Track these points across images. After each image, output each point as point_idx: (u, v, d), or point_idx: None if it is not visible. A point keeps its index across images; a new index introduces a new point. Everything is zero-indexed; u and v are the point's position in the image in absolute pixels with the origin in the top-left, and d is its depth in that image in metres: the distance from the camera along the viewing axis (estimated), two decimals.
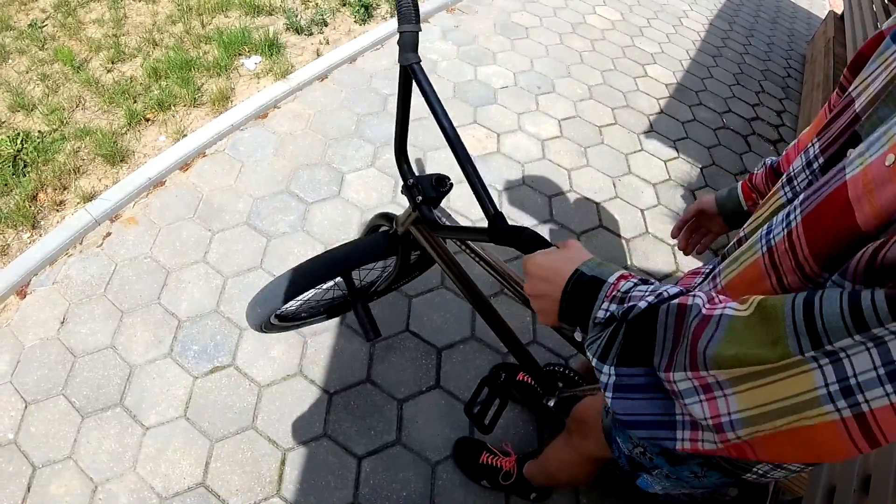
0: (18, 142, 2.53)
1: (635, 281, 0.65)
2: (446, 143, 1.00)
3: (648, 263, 2.62)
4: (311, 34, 3.50)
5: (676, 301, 0.58)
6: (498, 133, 3.10)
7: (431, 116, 1.01)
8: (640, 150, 3.27)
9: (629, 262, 2.61)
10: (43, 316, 2.03)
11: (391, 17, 3.79)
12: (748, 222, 0.79)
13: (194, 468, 1.75)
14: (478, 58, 3.64)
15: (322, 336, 2.07)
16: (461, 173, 0.97)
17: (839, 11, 4.92)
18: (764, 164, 1.11)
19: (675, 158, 3.28)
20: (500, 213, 0.93)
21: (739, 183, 1.15)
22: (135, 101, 2.84)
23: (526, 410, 2.00)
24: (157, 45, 3.24)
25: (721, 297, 0.58)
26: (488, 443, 1.85)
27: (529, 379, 1.93)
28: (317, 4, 3.77)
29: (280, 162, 2.69)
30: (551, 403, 1.55)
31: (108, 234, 2.29)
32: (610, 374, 0.61)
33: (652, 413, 0.58)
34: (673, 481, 0.96)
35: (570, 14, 4.45)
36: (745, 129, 3.73)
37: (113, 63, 3.08)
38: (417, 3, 0.98)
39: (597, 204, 2.85)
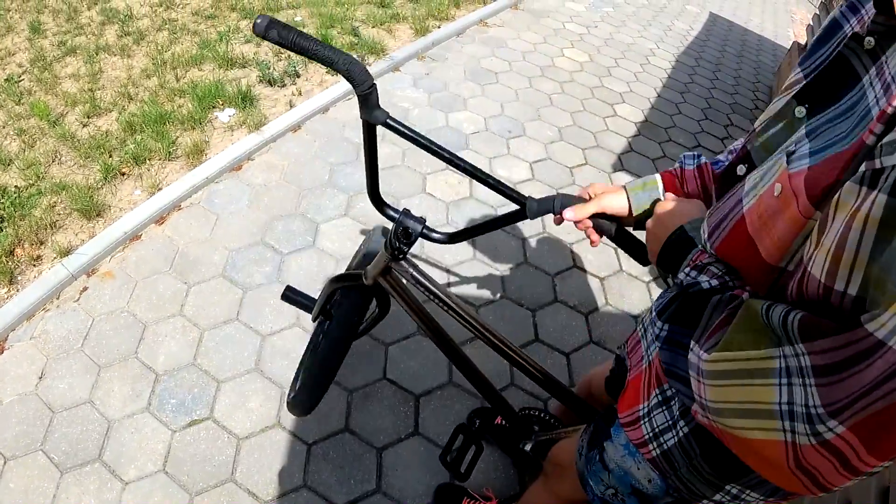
0: None
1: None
2: (446, 166, 1.11)
3: (624, 301, 2.78)
4: (283, 85, 3.71)
5: (731, 291, 0.66)
6: (470, 178, 3.28)
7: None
8: None
9: (604, 301, 2.75)
10: (21, 371, 2.12)
11: None
12: None
13: None
14: (449, 104, 3.86)
15: None
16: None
17: (803, 42, 5.26)
18: (695, 163, 1.06)
19: None
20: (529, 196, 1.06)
21: (657, 177, 1.07)
22: (110, 156, 3.00)
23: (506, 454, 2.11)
24: (132, 98, 3.42)
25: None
26: (469, 488, 1.94)
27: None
28: (289, 56, 3.99)
29: (255, 213, 2.84)
30: (528, 447, 1.62)
31: (85, 288, 2.41)
32: (662, 328, 0.72)
33: (686, 370, 0.65)
34: None
35: (539, 57, 4.73)
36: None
37: (89, 117, 3.25)
38: (357, 60, 0.98)
39: (570, 245, 3.02)
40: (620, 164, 3.68)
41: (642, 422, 0.91)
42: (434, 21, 4.79)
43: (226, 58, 3.81)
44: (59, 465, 1.91)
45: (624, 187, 1.06)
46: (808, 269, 0.54)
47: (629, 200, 1.04)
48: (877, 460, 0.48)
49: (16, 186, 2.77)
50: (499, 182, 1.07)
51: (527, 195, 1.10)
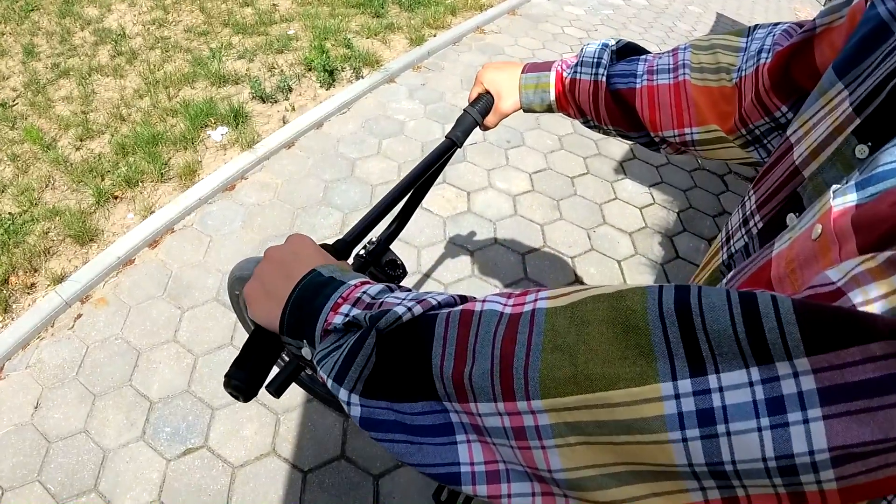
0: None
1: (384, 286, 0.55)
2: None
3: None
4: (276, 101, 3.80)
5: (459, 308, 0.47)
6: (468, 191, 3.35)
7: (396, 181, 1.05)
8: (614, 199, 3.50)
9: None
10: (17, 401, 2.20)
11: (356, 79, 4.09)
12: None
13: None
14: (445, 115, 3.93)
15: (294, 413, 2.25)
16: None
17: None
18: (592, 61, 0.97)
19: (650, 205, 3.51)
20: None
21: (552, 79, 1.03)
22: (103, 179, 3.09)
23: None
24: (124, 120, 3.52)
25: (523, 291, 0.47)
26: None
27: None
28: (282, 71, 4.08)
29: (248, 234, 2.91)
30: None
31: (80, 315, 2.49)
32: (355, 405, 0.48)
33: (440, 461, 0.46)
34: None
35: None
36: (722, 168, 3.95)
37: (81, 140, 3.35)
38: (489, 104, 1.06)
39: (572, 258, 3.06)
40: (623, 172, 3.71)
41: None
42: (430, 30, 4.88)
43: (218, 75, 3.91)
44: (55, 495, 1.98)
45: (519, 81, 1.07)
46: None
47: (520, 97, 1.06)
48: None
49: (9, 213, 2.86)
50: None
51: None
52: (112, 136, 3.38)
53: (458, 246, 2.99)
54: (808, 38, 0.67)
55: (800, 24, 0.74)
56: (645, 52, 0.97)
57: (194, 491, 2.02)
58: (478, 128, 1.10)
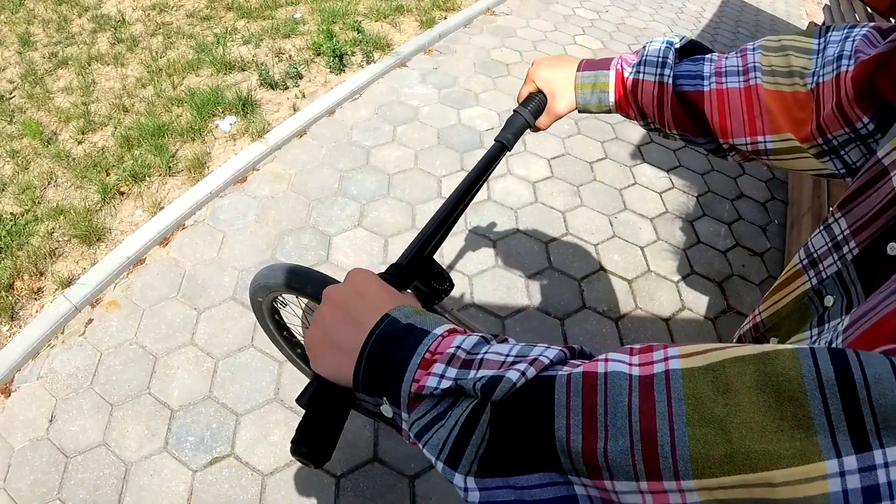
0: None
1: (479, 337, 0.49)
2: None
3: (653, 304, 2.70)
4: (286, 88, 3.62)
5: (581, 370, 0.41)
6: (488, 179, 3.19)
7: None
8: (633, 184, 3.37)
9: (634, 305, 2.68)
10: (30, 414, 2.06)
11: (367, 64, 3.91)
12: (764, 306, 0.71)
13: None
14: (460, 100, 3.76)
15: None
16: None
17: (819, 21, 5.13)
18: (657, 61, 0.91)
19: (669, 189, 3.39)
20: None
21: (611, 79, 0.96)
22: (107, 174, 2.92)
23: None
24: (127, 111, 3.34)
25: (647, 344, 0.43)
26: None
27: None
28: (290, 56, 3.89)
29: (263, 229, 2.76)
30: None
31: (90, 320, 2.34)
32: (472, 490, 0.43)
33: None
34: None
35: (551, 46, 4.62)
36: None
37: (83, 133, 3.17)
38: (542, 105, 1.00)
39: (595, 245, 2.94)
40: (641, 157, 3.58)
41: None
42: (440, 12, 4.68)
43: (223, 61, 3.72)
44: None
45: (575, 80, 0.99)
46: None
47: (576, 97, 0.99)
48: None
49: (11, 213, 2.70)
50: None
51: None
52: (115, 128, 3.20)
53: (479, 236, 2.85)
54: (894, 48, 0.63)
55: (880, 30, 0.70)
56: (708, 50, 0.91)
57: (224, 503, 1.90)
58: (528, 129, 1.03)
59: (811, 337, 0.59)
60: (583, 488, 0.39)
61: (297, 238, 2.73)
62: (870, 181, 0.59)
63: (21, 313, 2.33)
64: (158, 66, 3.67)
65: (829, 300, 0.59)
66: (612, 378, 0.39)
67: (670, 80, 0.88)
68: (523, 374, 0.42)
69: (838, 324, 0.53)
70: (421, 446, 0.46)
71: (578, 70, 0.99)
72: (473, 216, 2.95)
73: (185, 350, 2.27)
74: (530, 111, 1.01)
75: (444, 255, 2.71)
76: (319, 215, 2.86)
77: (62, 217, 2.67)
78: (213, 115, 3.32)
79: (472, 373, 0.44)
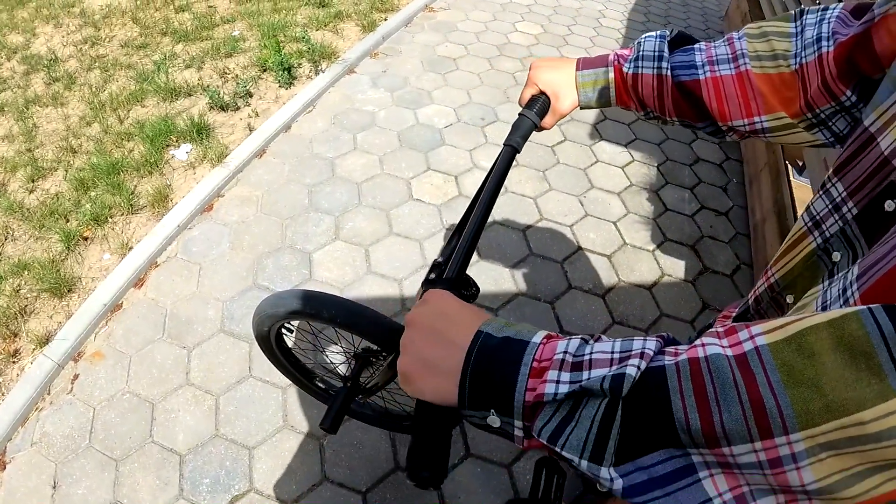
0: None
1: (579, 339, 0.53)
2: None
3: (635, 275, 2.72)
4: (237, 108, 3.49)
5: (685, 357, 0.47)
6: (455, 175, 3.16)
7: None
8: (596, 162, 3.39)
9: (617, 279, 2.69)
10: (31, 484, 1.92)
11: (315, 75, 3.81)
12: (776, 268, 0.75)
13: None
14: (414, 100, 3.70)
15: (337, 434, 2.04)
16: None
17: None
18: (653, 55, 0.96)
19: (630, 163, 3.43)
20: None
21: (611, 76, 1.01)
22: (67, 221, 2.75)
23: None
24: (76, 152, 3.16)
25: (728, 326, 0.48)
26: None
27: None
28: (237, 76, 3.75)
29: (240, 255, 2.65)
30: None
31: (76, 375, 2.21)
32: (616, 478, 0.47)
33: (693, 501, 0.46)
34: None
35: (493, 36, 4.60)
36: None
37: (33, 181, 2.98)
38: (546, 106, 1.04)
39: (570, 227, 2.94)
40: (598, 135, 3.61)
41: None
42: (379, 14, 4.60)
43: (168, 88, 3.55)
44: None
45: (576, 79, 1.04)
46: None
47: (579, 95, 1.05)
48: None
49: None
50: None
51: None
52: (66, 171, 3.02)
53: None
54: (868, 28, 0.71)
55: (852, 10, 0.78)
56: (695, 40, 0.97)
57: None
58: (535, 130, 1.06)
59: (823, 289, 0.62)
60: (700, 457, 0.45)
61: (277, 260, 2.64)
62: (860, 147, 0.66)
63: (1, 380, 2.18)
64: (101, 102, 3.48)
65: (836, 256, 0.65)
66: (713, 360, 0.45)
67: (668, 73, 0.94)
68: (638, 367, 0.47)
69: (847, 272, 0.57)
70: (558, 449, 0.49)
71: (578, 69, 1.03)
72: (448, 213, 2.92)
73: (182, 391, 2.17)
74: (536, 112, 1.03)
75: (425, 255, 2.68)
76: (295, 233, 2.77)
77: (26, 272, 2.50)
78: (168, 145, 3.17)
79: (586, 374, 0.48)
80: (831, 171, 0.69)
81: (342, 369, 1.78)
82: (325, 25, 4.40)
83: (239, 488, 1.92)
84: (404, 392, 1.63)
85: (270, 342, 1.61)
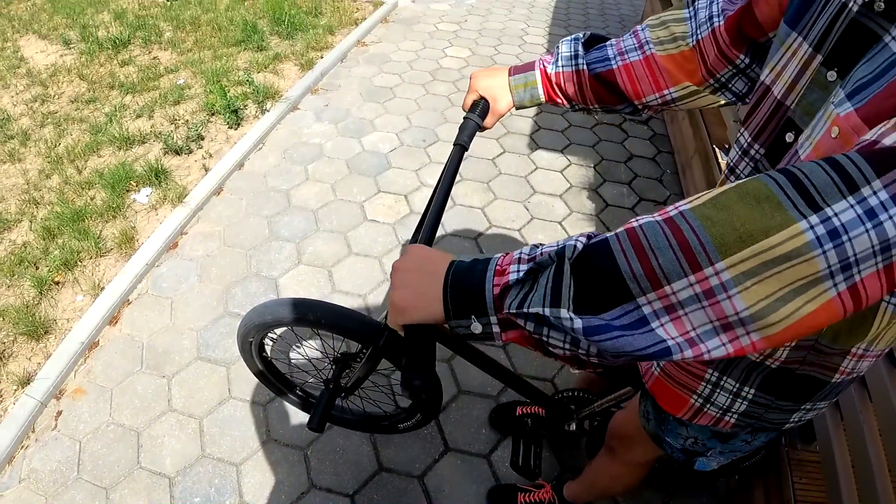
0: None
1: (531, 245, 0.64)
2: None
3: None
4: (190, 152, 3.56)
5: (622, 229, 0.56)
6: (405, 194, 3.30)
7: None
8: (536, 169, 3.58)
9: None
10: None
11: (262, 114, 3.92)
12: None
13: None
14: (358, 130, 3.85)
15: (319, 444, 2.13)
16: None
17: None
18: (570, 55, 1.12)
19: (568, 166, 3.62)
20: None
21: (538, 77, 1.16)
22: (37, 268, 2.78)
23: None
24: (38, 203, 3.18)
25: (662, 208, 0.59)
26: (518, 483, 1.97)
27: (537, 409, 2.06)
28: (187, 121, 3.83)
29: (209, 287, 2.72)
30: (572, 427, 1.72)
31: (59, 412, 2.24)
32: (576, 318, 0.55)
33: (651, 343, 0.54)
34: (727, 454, 1.08)
35: (425, 63, 4.80)
36: (616, 118, 4.15)
37: None
38: (486, 108, 1.17)
39: (518, 230, 3.10)
40: (536, 144, 3.80)
41: (706, 408, 0.98)
42: (315, 52, 4.75)
43: (122, 137, 3.60)
44: None
45: (509, 83, 1.18)
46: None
47: (513, 96, 1.19)
48: None
49: None
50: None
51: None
52: (31, 221, 3.04)
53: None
54: (749, 2, 0.86)
55: None
56: (606, 39, 1.12)
57: None
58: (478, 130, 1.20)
59: None
60: (649, 307, 0.53)
61: (245, 287, 2.72)
62: (759, 99, 0.81)
63: None
64: (58, 154, 3.50)
65: None
66: (646, 226, 0.54)
67: (585, 67, 1.10)
68: (581, 242, 0.57)
69: None
70: (525, 310, 0.58)
71: (510, 75, 1.18)
72: (402, 230, 3.04)
73: (165, 417, 2.22)
74: (478, 115, 1.17)
75: (385, 271, 2.78)
76: (259, 262, 2.86)
77: (1, 318, 2.53)
78: (128, 190, 3.23)
79: (538, 258, 0.60)
80: (740, 122, 0.83)
81: (324, 374, 1.87)
82: (266, 67, 4.52)
83: (229, 503, 1.99)
84: (379, 389, 1.72)
85: (252, 353, 1.70)
